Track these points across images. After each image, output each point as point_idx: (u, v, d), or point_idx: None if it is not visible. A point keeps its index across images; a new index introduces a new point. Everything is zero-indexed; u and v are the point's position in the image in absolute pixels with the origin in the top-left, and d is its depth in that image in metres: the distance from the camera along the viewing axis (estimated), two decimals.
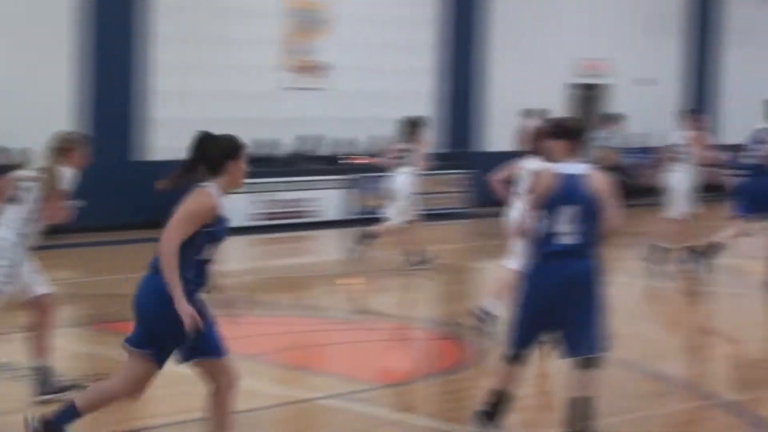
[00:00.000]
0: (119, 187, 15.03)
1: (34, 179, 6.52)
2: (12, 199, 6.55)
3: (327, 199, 17.38)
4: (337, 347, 9.33)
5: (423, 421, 6.84)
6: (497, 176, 8.92)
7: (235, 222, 13.28)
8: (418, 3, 19.23)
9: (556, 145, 6.04)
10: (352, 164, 17.97)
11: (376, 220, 13.61)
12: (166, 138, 15.13)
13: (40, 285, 6.70)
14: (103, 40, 15.23)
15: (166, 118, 15.45)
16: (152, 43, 15.72)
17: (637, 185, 16.08)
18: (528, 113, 17.21)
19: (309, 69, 17.98)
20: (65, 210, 6.63)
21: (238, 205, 15.20)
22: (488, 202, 13.78)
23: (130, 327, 5.68)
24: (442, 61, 19.52)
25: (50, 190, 6.56)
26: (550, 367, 7.38)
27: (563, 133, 6.08)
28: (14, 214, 6.54)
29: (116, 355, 6.53)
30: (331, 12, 18.06)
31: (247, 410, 6.48)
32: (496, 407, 5.82)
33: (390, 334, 9.96)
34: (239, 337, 7.47)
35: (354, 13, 18.07)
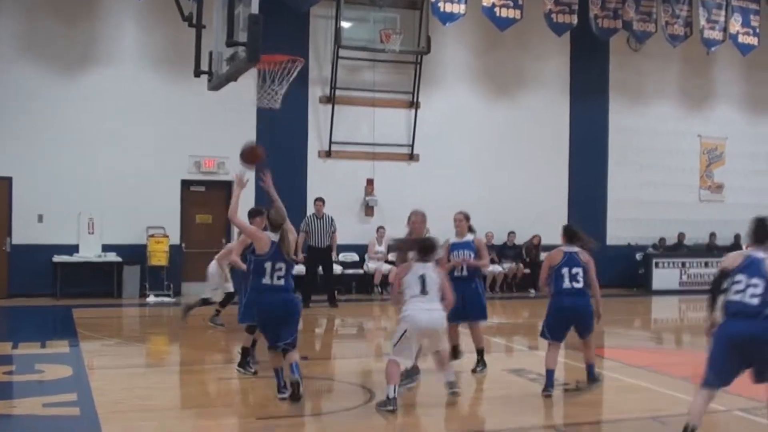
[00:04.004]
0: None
1: None
2: None
3: None
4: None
5: None
6: None
7: (671, 286, 19.41)
8: None
9: None
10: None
11: None
12: (619, 230, 21.75)
13: None
14: (580, 168, 22.05)
15: (619, 217, 21.98)
16: (611, 168, 22.44)
17: None
18: None
19: (713, 188, 23.86)
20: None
21: (673, 275, 21.64)
22: None
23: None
24: None
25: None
26: None
27: None
28: None
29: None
30: (726, 149, 23.94)
31: (677, 414, 8.18)
32: None
33: None
34: (671, 363, 11.38)
35: (741, 150, 23.87)
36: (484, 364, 10.36)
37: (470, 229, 10.58)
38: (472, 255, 10.20)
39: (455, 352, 10.33)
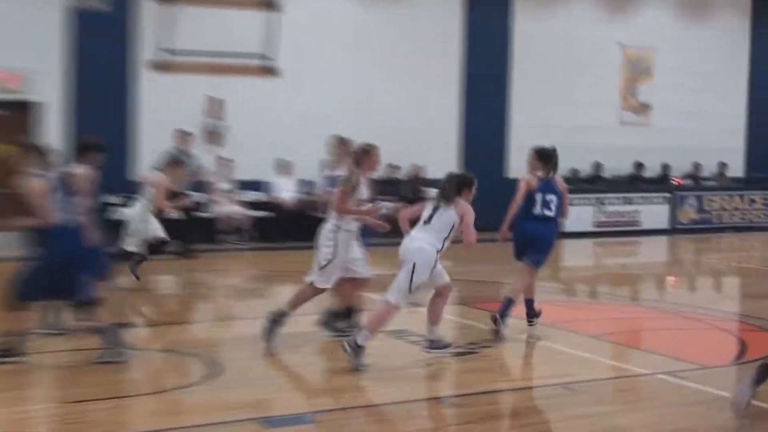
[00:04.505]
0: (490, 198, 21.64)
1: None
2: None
3: (650, 212, 23.32)
4: (664, 332, 11.74)
5: None
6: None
7: (584, 227, 20.07)
8: (727, 55, 25.28)
9: None
10: (673, 185, 23.99)
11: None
12: (523, 161, 21.87)
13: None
14: (477, 87, 22.26)
15: (524, 144, 22.07)
16: (514, 86, 22.69)
17: None
18: None
19: (637, 108, 24.46)
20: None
21: (587, 214, 22.24)
22: None
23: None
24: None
25: (348, 190, 9.73)
26: None
27: None
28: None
29: (483, 326, 10.33)
30: (654, 62, 24.51)
31: (597, 379, 8.97)
32: None
33: (706, 323, 12.05)
34: (583, 319, 11.71)
35: (672, 63, 24.43)
36: (357, 326, 10.36)
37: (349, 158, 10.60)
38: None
39: (347, 314, 10.40)
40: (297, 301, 10.08)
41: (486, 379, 9.09)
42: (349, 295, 10.37)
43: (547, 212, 10.55)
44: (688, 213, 23.78)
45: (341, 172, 10.55)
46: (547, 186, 10.61)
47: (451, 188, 9.32)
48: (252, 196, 19.52)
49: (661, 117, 24.47)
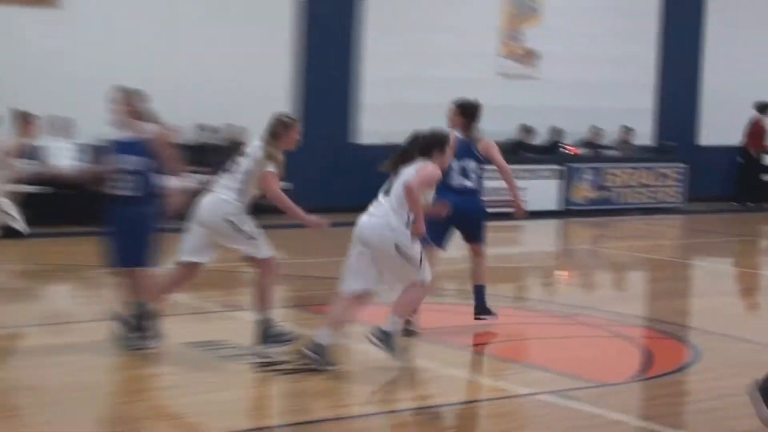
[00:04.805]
0: (333, 169, 21.06)
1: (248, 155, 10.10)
2: (227, 169, 10.19)
3: (537, 189, 23.13)
4: (553, 341, 12.11)
5: (642, 423, 8.71)
6: None
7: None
8: None
9: None
10: (566, 155, 24.43)
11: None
12: (376, 123, 22.10)
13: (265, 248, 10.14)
14: (318, 29, 22.23)
15: (377, 103, 22.33)
16: (366, 31, 22.76)
17: None
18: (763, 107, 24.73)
19: (522, 57, 24.86)
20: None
21: None
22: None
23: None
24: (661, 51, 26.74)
25: (265, 168, 9.99)
26: None
27: None
28: (228, 181, 10.11)
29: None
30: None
31: (466, 402, 9.32)
32: None
33: (605, 330, 12.51)
34: (450, 326, 11.86)
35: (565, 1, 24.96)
36: (155, 335, 10.31)
37: (142, 117, 10.52)
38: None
39: (141, 317, 10.29)
40: (266, 297, 10.24)
41: (323, 404, 9.16)
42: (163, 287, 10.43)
43: (467, 182, 11.05)
44: (584, 190, 24.24)
45: (129, 134, 10.39)
46: (466, 149, 11.01)
47: (412, 150, 9.65)
48: (19, 164, 19.13)
49: (551, 68, 24.85)
